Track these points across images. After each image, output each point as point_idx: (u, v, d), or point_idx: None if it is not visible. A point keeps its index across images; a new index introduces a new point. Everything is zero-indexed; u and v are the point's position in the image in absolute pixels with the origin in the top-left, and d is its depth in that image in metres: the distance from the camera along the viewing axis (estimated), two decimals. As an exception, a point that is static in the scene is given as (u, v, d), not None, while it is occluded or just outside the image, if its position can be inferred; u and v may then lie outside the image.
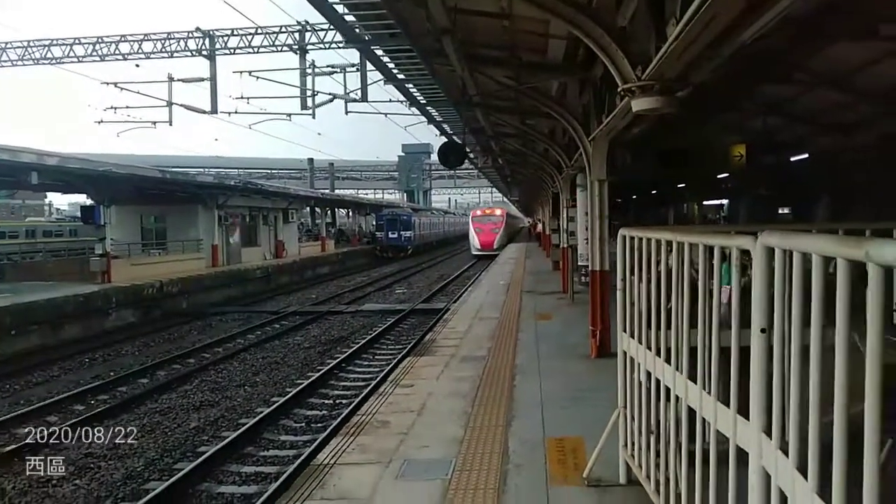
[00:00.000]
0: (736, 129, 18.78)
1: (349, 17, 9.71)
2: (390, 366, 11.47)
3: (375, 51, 11.05)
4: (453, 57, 7.88)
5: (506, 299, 15.22)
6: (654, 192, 34.69)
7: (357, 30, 10.40)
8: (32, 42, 26.12)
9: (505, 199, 65.21)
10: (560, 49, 8.41)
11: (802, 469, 1.95)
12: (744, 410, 2.49)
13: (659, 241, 3.62)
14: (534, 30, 8.23)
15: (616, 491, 4.39)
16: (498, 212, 44.79)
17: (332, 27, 19.28)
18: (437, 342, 10.28)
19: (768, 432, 2.24)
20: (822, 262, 1.78)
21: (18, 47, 26.22)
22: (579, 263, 14.74)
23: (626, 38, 5.50)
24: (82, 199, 22.43)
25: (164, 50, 24.78)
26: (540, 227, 39.58)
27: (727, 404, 2.64)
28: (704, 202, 35.70)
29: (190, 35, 24.62)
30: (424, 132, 41.50)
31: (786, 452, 2.09)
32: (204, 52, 23.84)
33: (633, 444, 4.25)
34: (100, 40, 25.39)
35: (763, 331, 2.30)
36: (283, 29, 23.84)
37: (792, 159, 18.80)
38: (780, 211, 23.50)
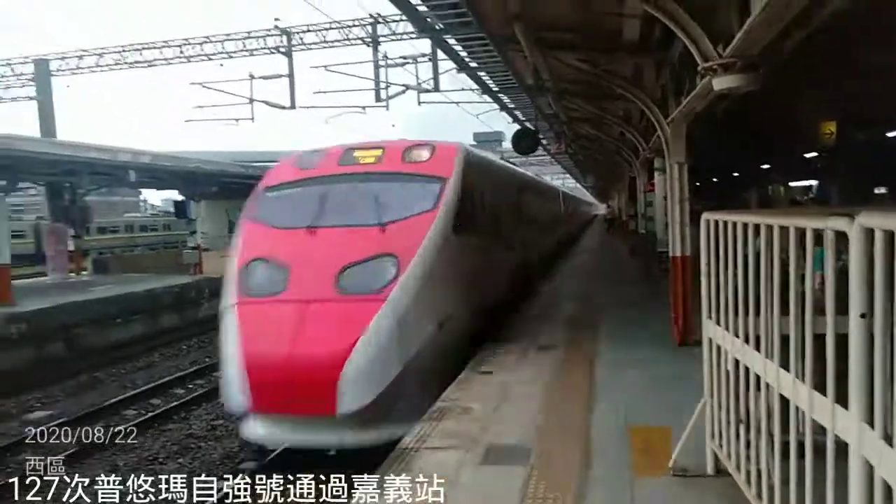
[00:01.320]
0: (825, 104, 17.68)
1: (421, 8, 9.81)
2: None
3: (447, 40, 11.12)
4: (525, 42, 7.84)
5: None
6: (735, 174, 33.21)
7: (428, 19, 10.49)
8: (126, 47, 27.66)
9: (578, 185, 63.43)
10: (635, 29, 8.18)
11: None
12: (841, 400, 2.41)
13: (746, 225, 3.52)
14: (608, 10, 8.06)
15: (704, 481, 4.31)
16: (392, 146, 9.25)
17: (403, 18, 19.44)
18: (515, 329, 10.29)
19: (870, 422, 2.16)
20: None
21: (114, 52, 27.80)
22: (658, 250, 14.35)
23: (705, 14, 5.31)
24: (174, 194, 23.72)
25: (244, 49, 25.74)
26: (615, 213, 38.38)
27: (823, 393, 2.56)
28: (791, 184, 33.88)
29: (269, 33, 25.44)
30: (495, 120, 40.77)
31: (890, 442, 2.02)
32: (282, 50, 24.58)
33: (720, 433, 4.16)
34: (186, 42, 26.66)
35: (863, 316, 2.21)
36: (357, 22, 24.26)
37: (888, 135, 17.57)
38: (875, 191, 22.04)
